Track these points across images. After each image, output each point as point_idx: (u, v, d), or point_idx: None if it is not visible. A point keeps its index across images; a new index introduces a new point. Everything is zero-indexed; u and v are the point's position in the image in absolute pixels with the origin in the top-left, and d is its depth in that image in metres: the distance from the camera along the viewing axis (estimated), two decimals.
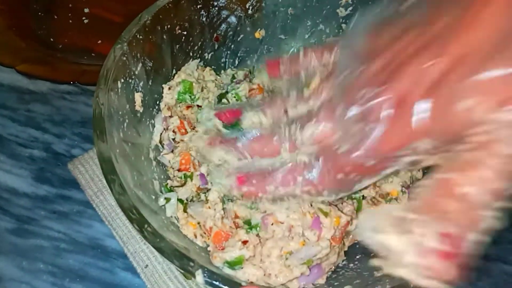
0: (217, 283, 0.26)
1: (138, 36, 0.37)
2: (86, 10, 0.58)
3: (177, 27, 0.40)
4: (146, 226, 0.29)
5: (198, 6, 0.41)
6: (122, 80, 0.35)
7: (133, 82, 0.37)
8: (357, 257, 0.35)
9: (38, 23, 0.57)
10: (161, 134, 0.40)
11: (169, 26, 0.40)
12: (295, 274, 0.31)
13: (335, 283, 0.33)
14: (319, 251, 0.31)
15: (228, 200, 0.36)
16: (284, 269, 0.31)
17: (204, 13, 0.42)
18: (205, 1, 0.41)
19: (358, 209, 0.35)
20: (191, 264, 0.27)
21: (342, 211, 0.33)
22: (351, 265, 0.34)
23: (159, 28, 0.39)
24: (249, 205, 0.35)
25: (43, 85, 0.52)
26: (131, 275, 0.39)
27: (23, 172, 0.46)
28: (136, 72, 0.37)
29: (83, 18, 0.58)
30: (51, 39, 0.56)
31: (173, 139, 0.40)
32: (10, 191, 0.45)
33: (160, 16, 0.38)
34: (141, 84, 0.38)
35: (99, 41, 0.55)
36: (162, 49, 0.40)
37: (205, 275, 0.27)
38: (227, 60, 0.45)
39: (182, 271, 0.29)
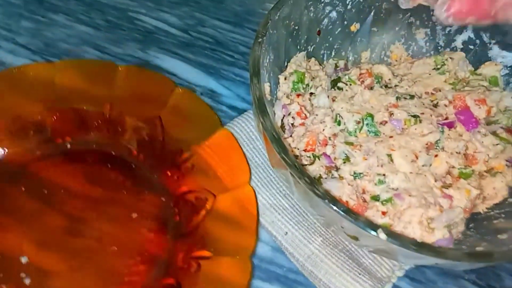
0: (396, 241, 0.30)
1: (270, 30, 0.40)
2: None
3: (292, 22, 0.44)
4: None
5: (309, 3, 0.45)
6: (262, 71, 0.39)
7: (264, 73, 0.41)
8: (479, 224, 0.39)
9: None
10: (281, 120, 0.44)
11: (287, 21, 0.43)
12: (437, 237, 0.36)
13: (463, 247, 0.37)
14: (457, 214, 0.36)
15: (356, 177, 0.40)
16: (425, 234, 0.36)
17: (312, 9, 0.45)
18: None
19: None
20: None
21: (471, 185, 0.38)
22: (473, 231, 0.39)
23: (281, 24, 0.42)
24: (377, 181, 0.40)
25: None
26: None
27: None
28: (265, 64, 0.41)
29: None
30: None
31: (292, 124, 0.44)
32: None
33: (283, 13, 0.42)
34: (266, 75, 0.42)
35: None
36: (280, 42, 0.44)
37: (386, 232, 0.31)
38: (325, 52, 0.49)
39: (352, 234, 0.33)
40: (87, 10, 0.61)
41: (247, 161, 0.43)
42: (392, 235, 0.31)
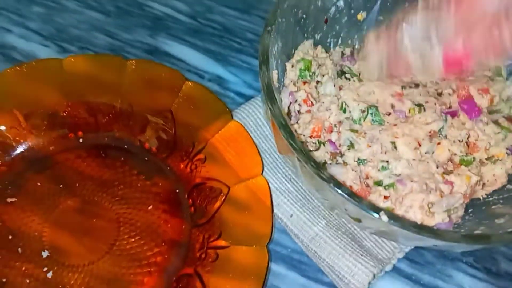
0: (398, 223, 0.32)
1: (279, 19, 0.41)
2: None
3: (300, 10, 0.45)
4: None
5: None
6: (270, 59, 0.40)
7: (272, 61, 0.42)
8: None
9: None
10: (288, 106, 0.45)
11: (295, 9, 0.44)
12: (437, 221, 0.37)
13: (462, 231, 0.39)
14: (457, 200, 0.37)
15: (360, 163, 0.42)
16: (425, 218, 0.37)
17: None
18: None
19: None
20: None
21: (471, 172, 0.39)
22: (472, 216, 0.40)
23: (289, 12, 0.43)
24: (380, 168, 0.41)
25: None
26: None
27: None
28: (274, 52, 0.42)
29: None
30: None
31: (298, 111, 0.45)
32: None
33: (292, 1, 0.43)
34: (274, 63, 0.43)
35: None
36: (288, 30, 0.44)
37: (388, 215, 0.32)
38: (331, 40, 0.50)
39: (355, 216, 0.35)
40: None
41: (259, 152, 0.44)
42: (394, 217, 0.32)
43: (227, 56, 0.58)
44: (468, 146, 0.42)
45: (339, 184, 0.33)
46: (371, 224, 0.36)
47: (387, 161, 0.41)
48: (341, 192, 0.33)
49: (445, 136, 0.43)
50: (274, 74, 0.42)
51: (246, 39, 0.60)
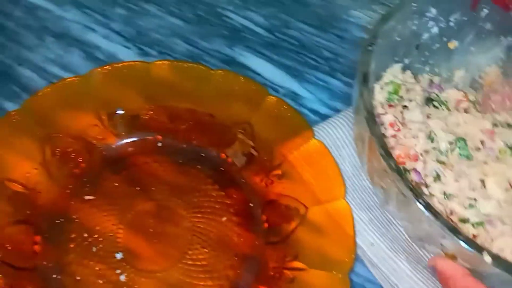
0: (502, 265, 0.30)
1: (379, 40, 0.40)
2: None
3: (395, 33, 0.44)
4: None
5: (415, 16, 0.44)
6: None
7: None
8: None
9: None
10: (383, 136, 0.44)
11: (391, 32, 0.43)
12: None
13: None
14: None
15: (446, 198, 0.40)
16: None
17: (416, 22, 0.45)
18: (420, 12, 0.45)
19: None
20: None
21: None
22: None
23: (386, 34, 0.42)
24: (468, 205, 0.39)
25: None
26: None
27: None
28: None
29: None
30: None
31: (383, 134, 0.44)
32: None
33: (390, 24, 0.42)
34: None
35: None
36: (383, 52, 0.43)
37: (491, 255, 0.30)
38: (420, 66, 0.49)
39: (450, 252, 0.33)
40: (178, 3, 0.62)
41: (341, 174, 0.43)
42: (497, 258, 0.31)
43: (303, 72, 0.58)
44: None
45: (438, 214, 0.32)
46: (467, 263, 0.34)
47: (475, 199, 0.40)
48: (440, 224, 0.32)
49: None
50: (372, 100, 0.42)
51: (323, 57, 0.59)
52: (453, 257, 0.34)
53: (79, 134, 0.46)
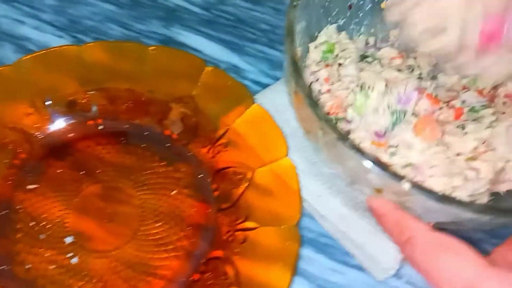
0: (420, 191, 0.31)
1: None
2: None
3: None
4: None
5: None
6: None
7: (295, 38, 0.42)
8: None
9: None
10: (309, 86, 0.45)
11: None
12: None
13: None
14: (482, 185, 0.37)
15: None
16: None
17: None
18: None
19: None
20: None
21: None
22: None
23: None
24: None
25: None
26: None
27: None
28: (297, 30, 0.42)
29: None
30: None
31: (319, 90, 0.45)
32: None
33: None
34: (298, 41, 0.43)
35: None
36: (312, 12, 0.44)
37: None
38: (354, 27, 0.50)
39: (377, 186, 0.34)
40: None
41: (283, 134, 0.44)
42: (417, 186, 0.32)
43: (242, 46, 0.58)
44: None
45: (363, 151, 0.33)
46: (392, 195, 0.35)
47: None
48: (365, 157, 0.32)
49: None
50: (297, 52, 0.42)
51: (260, 29, 0.60)
52: (380, 191, 0.35)
53: (15, 125, 0.44)
